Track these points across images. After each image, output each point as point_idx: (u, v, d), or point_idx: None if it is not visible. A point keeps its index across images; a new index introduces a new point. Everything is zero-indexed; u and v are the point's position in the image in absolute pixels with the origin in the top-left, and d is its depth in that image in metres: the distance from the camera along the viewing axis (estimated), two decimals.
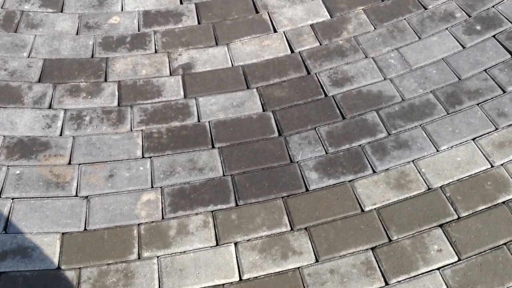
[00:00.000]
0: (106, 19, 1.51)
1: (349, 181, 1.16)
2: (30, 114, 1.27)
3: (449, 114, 1.28)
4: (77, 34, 1.47)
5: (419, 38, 1.47)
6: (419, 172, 1.17)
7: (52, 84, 1.34)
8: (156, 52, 1.44)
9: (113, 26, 1.50)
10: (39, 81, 1.35)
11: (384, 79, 1.38)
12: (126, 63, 1.40)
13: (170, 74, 1.39)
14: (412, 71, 1.39)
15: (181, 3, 1.57)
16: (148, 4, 1.56)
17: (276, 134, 1.26)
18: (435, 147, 1.22)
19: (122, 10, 1.54)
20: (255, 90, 1.36)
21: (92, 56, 1.42)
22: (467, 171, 1.17)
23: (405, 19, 1.51)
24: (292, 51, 1.45)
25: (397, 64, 1.41)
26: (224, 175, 1.17)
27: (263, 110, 1.32)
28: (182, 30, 1.50)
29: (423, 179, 1.16)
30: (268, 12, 1.54)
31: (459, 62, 1.40)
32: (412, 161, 1.19)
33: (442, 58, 1.41)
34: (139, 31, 1.49)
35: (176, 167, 1.18)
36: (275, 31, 1.50)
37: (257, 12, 1.54)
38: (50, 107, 1.29)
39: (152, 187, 1.14)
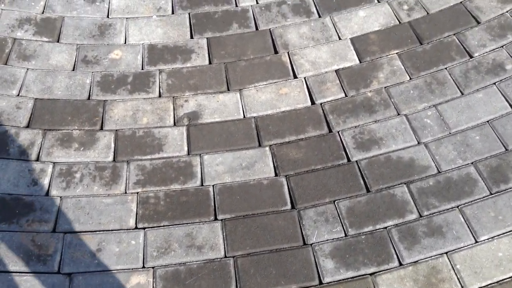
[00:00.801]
0: (106, 53, 1.43)
1: (371, 274, 1.05)
2: (15, 167, 1.20)
3: (492, 194, 1.16)
4: (73, 69, 1.39)
5: (462, 93, 1.34)
6: (453, 269, 1.05)
7: (42, 131, 1.27)
8: (160, 96, 1.36)
9: (114, 62, 1.42)
10: (28, 126, 1.28)
11: (418, 143, 1.26)
12: (125, 108, 1.32)
13: (174, 124, 1.30)
14: (452, 135, 1.27)
15: (191, 37, 1.47)
16: (155, 37, 1.46)
17: (289, 206, 1.16)
18: (474, 237, 1.10)
19: (125, 42, 1.46)
20: (267, 148, 1.26)
21: (89, 98, 1.34)
22: (509, 271, 1.05)
23: (446, 68, 1.38)
24: (312, 102, 1.34)
25: (434, 125, 1.28)
26: (225, 257, 1.08)
27: (276, 175, 1.22)
28: (190, 70, 1.40)
29: (458, 278, 1.04)
30: (288, 53, 1.43)
31: (507, 127, 1.26)
32: (446, 253, 1.08)
33: (487, 121, 1.28)
34: (142, 69, 1.41)
35: (172, 242, 1.10)
36: (295, 76, 1.39)
37: (276, 52, 1.44)
38: (38, 159, 1.22)
39: (143, 266, 1.06)
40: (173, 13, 1.51)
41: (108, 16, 1.50)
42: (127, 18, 1.49)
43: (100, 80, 1.38)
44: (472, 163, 1.22)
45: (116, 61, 1.42)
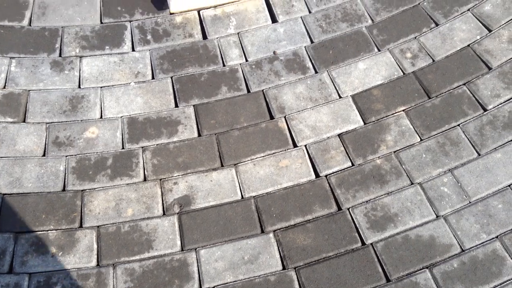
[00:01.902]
0: (81, 132, 1.36)
1: None
2: None
3: None
4: (44, 154, 1.32)
5: (478, 154, 1.31)
6: None
7: (13, 235, 1.20)
8: (145, 180, 1.30)
9: (90, 142, 1.35)
10: None
11: (437, 217, 1.23)
12: (107, 198, 1.26)
13: (164, 214, 1.24)
14: (472, 204, 1.24)
15: (176, 105, 1.42)
16: (135, 108, 1.40)
17: None
18: None
19: (101, 117, 1.39)
20: (272, 235, 1.21)
21: (64, 189, 1.27)
22: None
23: (459, 125, 1.36)
24: (317, 174, 1.30)
25: (451, 194, 1.25)
26: None
27: (283, 267, 1.17)
28: (178, 146, 1.34)
29: None
30: (285, 118, 1.39)
31: None
32: None
33: (509, 185, 1.26)
34: (123, 148, 1.35)
35: None
36: (294, 145, 1.35)
37: (271, 117, 1.39)
38: (11, 270, 1.15)
39: None
40: (153, 78, 1.46)
41: (79, 87, 1.43)
42: (101, 88, 1.43)
43: (75, 166, 1.31)
44: (497, 237, 1.19)
45: (93, 140, 1.35)
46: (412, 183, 1.28)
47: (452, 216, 1.23)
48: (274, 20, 1.57)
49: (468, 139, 1.34)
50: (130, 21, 1.55)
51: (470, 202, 1.25)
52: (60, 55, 1.48)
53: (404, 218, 1.23)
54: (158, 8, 1.57)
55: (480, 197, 1.25)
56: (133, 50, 1.50)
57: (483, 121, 1.36)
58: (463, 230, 1.20)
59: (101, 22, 1.54)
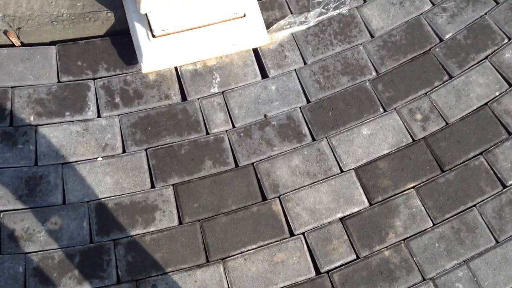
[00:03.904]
0: (41, 222, 1.30)
1: None
2: None
3: None
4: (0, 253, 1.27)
5: (496, 242, 1.32)
6: None
7: None
8: (119, 282, 1.25)
9: (53, 235, 1.29)
10: None
11: None
12: None
13: None
14: None
15: (152, 185, 1.36)
16: (103, 190, 1.34)
17: None
18: None
19: (64, 202, 1.32)
20: None
21: None
22: None
23: (475, 206, 1.35)
24: (317, 270, 1.29)
25: None
26: None
27: None
28: (155, 238, 1.29)
29: None
30: (280, 199, 1.35)
31: None
32: None
33: None
34: (91, 242, 1.29)
35: None
36: (291, 233, 1.32)
37: (264, 198, 1.36)
38: None
39: None
40: (124, 151, 1.39)
41: (36, 164, 1.36)
42: (62, 165, 1.36)
43: (37, 267, 1.26)
44: None
45: (56, 233, 1.29)
46: (424, 279, 1.28)
47: None
48: (264, 75, 1.51)
49: (486, 223, 1.33)
50: (94, 79, 1.47)
51: None
52: (11, 124, 1.40)
53: None
54: (127, 63, 1.49)
55: None
56: (98, 116, 1.43)
57: (502, 200, 1.36)
58: None
59: (59, 81, 1.46)
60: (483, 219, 1.35)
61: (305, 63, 1.55)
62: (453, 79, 1.54)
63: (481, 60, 1.56)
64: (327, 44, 1.58)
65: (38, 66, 1.48)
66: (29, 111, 1.43)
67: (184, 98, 1.48)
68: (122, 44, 1.54)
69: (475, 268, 1.30)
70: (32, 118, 1.42)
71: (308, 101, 1.50)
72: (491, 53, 1.57)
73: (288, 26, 1.58)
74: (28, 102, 1.44)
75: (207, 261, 1.30)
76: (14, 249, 1.29)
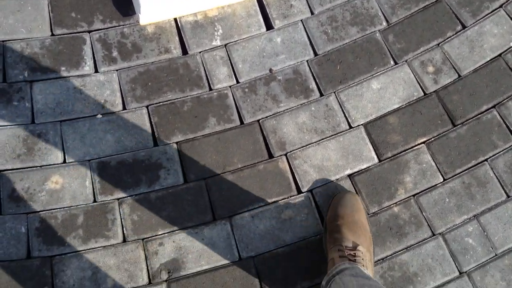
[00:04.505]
0: (41, 182, 1.29)
1: None
2: None
3: None
4: (0, 213, 1.26)
5: (508, 196, 1.33)
6: None
7: None
8: (125, 241, 1.26)
9: (55, 195, 1.29)
10: None
11: (460, 273, 1.26)
12: (81, 266, 1.23)
13: (150, 282, 1.23)
14: (498, 257, 1.28)
15: (155, 143, 1.34)
16: (104, 149, 1.31)
17: None
18: None
19: (64, 161, 1.31)
20: None
21: (29, 256, 1.23)
22: None
23: (487, 161, 1.36)
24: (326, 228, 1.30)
25: (477, 246, 1.28)
26: None
27: None
28: (160, 196, 1.29)
29: None
30: (286, 156, 1.35)
31: None
32: None
33: None
34: (95, 201, 1.29)
35: None
36: (299, 191, 1.33)
37: (270, 155, 1.35)
38: None
39: None
40: (124, 108, 1.37)
41: (33, 122, 1.34)
42: (61, 122, 1.35)
43: (40, 227, 1.26)
44: None
45: (57, 193, 1.29)
46: (433, 235, 1.30)
47: (476, 273, 1.27)
48: (269, 26, 1.47)
49: (497, 178, 1.35)
50: (89, 32, 1.43)
51: (496, 255, 1.29)
52: (4, 81, 1.37)
53: (424, 278, 1.26)
54: (123, 14, 1.44)
55: (507, 248, 1.29)
56: (96, 71, 1.40)
57: None
58: None
59: (52, 34, 1.41)
60: (494, 174, 1.36)
61: (312, 13, 1.51)
62: (466, 29, 1.50)
63: (495, 9, 1.52)
64: None
65: (30, 18, 1.43)
66: (22, 66, 1.39)
67: (185, 51, 1.45)
68: None
69: (485, 222, 1.32)
70: (26, 74, 1.39)
71: (315, 54, 1.47)
72: (506, 1, 1.53)
73: None
74: (21, 57, 1.40)
75: (214, 219, 1.32)
76: (15, 209, 1.29)
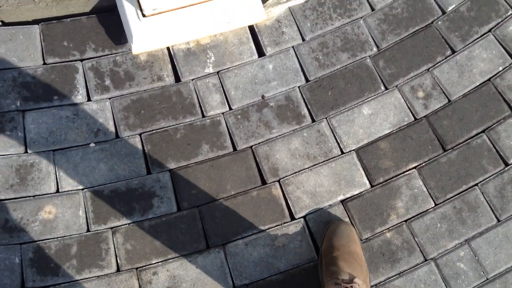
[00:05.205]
0: (35, 212, 1.35)
1: None
2: None
3: None
4: None
5: (498, 220, 1.39)
6: None
7: None
8: (118, 270, 1.31)
9: (48, 225, 1.33)
10: None
11: None
12: None
13: None
14: (489, 281, 1.33)
15: (148, 171, 1.40)
16: (98, 178, 1.35)
17: None
18: None
19: (57, 190, 1.36)
20: None
21: (23, 287, 1.27)
22: None
23: (477, 185, 1.41)
24: (319, 253, 1.34)
25: (468, 270, 1.33)
26: None
27: None
28: (154, 225, 1.33)
29: None
30: (279, 183, 1.40)
31: None
32: None
33: None
34: (88, 231, 1.34)
35: None
36: (292, 217, 1.38)
37: (263, 182, 1.40)
38: None
39: None
40: (117, 136, 1.42)
41: (26, 151, 1.39)
42: (54, 152, 1.39)
43: (33, 257, 1.30)
44: None
45: (51, 223, 1.33)
46: (426, 260, 1.35)
47: None
48: (261, 53, 1.53)
49: (487, 202, 1.40)
50: (82, 61, 1.48)
51: (487, 279, 1.34)
52: None
53: None
54: (116, 42, 1.50)
55: (498, 272, 1.35)
56: (89, 99, 1.45)
57: (504, 179, 1.42)
58: None
59: (44, 63, 1.46)
60: (485, 198, 1.42)
61: (303, 40, 1.57)
62: (456, 54, 1.57)
63: (484, 34, 1.60)
64: (326, 18, 1.60)
65: (22, 47, 1.48)
66: (14, 95, 1.44)
67: (177, 79, 1.51)
68: (110, 21, 1.54)
69: (477, 247, 1.38)
70: (18, 103, 1.44)
71: (307, 80, 1.53)
72: (495, 26, 1.60)
73: (285, 0, 1.58)
74: (13, 86, 1.45)
75: (208, 247, 1.36)
76: (8, 240, 1.33)
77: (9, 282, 1.30)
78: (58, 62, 1.49)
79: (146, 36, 1.45)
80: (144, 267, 1.34)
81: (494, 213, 1.42)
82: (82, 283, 1.31)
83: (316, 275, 1.34)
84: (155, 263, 1.34)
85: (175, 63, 1.52)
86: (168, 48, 1.54)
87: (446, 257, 1.37)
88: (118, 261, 1.34)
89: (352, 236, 1.29)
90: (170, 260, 1.35)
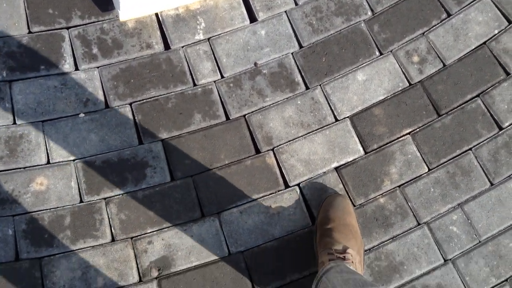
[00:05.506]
0: (26, 184, 1.33)
1: None
2: None
3: None
4: None
5: (491, 184, 1.41)
6: None
7: None
8: (113, 240, 1.32)
9: (40, 196, 1.33)
10: None
11: (445, 261, 1.35)
12: (71, 267, 1.28)
13: (140, 280, 1.29)
14: (482, 244, 1.36)
15: (140, 142, 1.40)
16: (89, 149, 1.35)
17: None
18: None
19: (48, 161, 1.35)
20: None
21: (18, 259, 1.28)
22: None
23: (471, 150, 1.43)
24: (313, 221, 1.36)
25: (461, 233, 1.36)
26: None
27: None
28: (148, 194, 1.34)
29: None
30: (273, 152, 1.40)
31: None
32: None
33: None
34: (81, 202, 1.34)
35: None
36: (286, 185, 1.39)
37: (257, 151, 1.41)
38: None
39: None
40: (107, 106, 1.41)
41: (15, 123, 1.37)
42: (43, 123, 1.37)
43: (27, 229, 1.31)
44: (506, 280, 1.34)
45: (43, 194, 1.33)
46: (419, 224, 1.38)
47: (460, 260, 1.35)
48: (252, 18, 1.51)
49: (481, 166, 1.42)
50: (68, 28, 1.45)
51: (480, 242, 1.37)
52: None
53: (410, 266, 1.34)
54: (102, 9, 1.47)
55: (491, 235, 1.38)
56: (76, 69, 1.43)
57: (498, 143, 1.44)
58: (472, 275, 1.34)
59: (30, 32, 1.43)
60: (478, 162, 1.44)
61: (296, 4, 1.54)
62: (451, 17, 1.56)
63: None
64: None
65: (6, 15, 1.44)
66: (1, 66, 1.42)
67: (167, 46, 1.48)
68: None
69: (469, 210, 1.40)
70: (5, 74, 1.41)
71: (300, 46, 1.51)
72: None
73: None
74: None
75: (202, 215, 1.37)
76: (0, 212, 1.33)
77: (3, 254, 1.31)
78: (44, 31, 1.46)
79: (133, 2, 1.42)
80: (139, 237, 1.35)
81: (487, 177, 1.43)
82: (77, 254, 1.32)
83: (310, 240, 1.36)
84: (150, 232, 1.35)
85: (164, 30, 1.50)
86: (156, 14, 1.51)
87: (439, 221, 1.40)
88: (113, 231, 1.35)
89: (348, 209, 1.31)
90: (165, 229, 1.36)
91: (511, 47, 1.54)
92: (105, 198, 1.37)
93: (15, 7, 1.46)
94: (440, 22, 1.56)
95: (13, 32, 1.45)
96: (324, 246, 1.25)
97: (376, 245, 1.38)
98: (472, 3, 1.57)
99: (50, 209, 1.34)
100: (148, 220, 1.37)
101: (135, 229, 1.36)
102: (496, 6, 1.57)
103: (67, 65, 1.45)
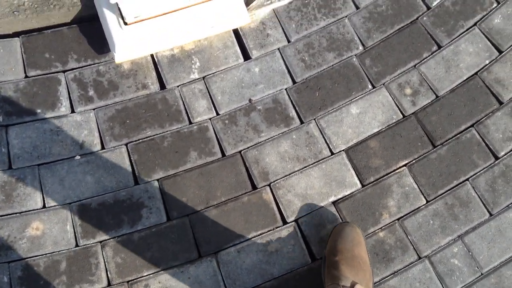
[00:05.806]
0: (22, 229, 1.33)
1: None
2: None
3: None
4: None
5: (490, 214, 1.40)
6: None
7: None
8: (109, 285, 1.30)
9: (36, 241, 1.32)
10: None
11: None
12: None
13: None
14: (484, 276, 1.34)
15: (136, 182, 1.39)
16: (84, 191, 1.35)
17: None
18: None
19: (44, 206, 1.36)
20: None
21: None
22: None
23: (468, 180, 1.43)
24: (313, 258, 1.35)
25: (462, 266, 1.34)
26: None
27: None
28: (144, 236, 1.33)
29: None
30: (270, 187, 1.40)
31: None
32: None
33: None
34: (77, 246, 1.32)
35: None
36: (284, 221, 1.38)
37: (254, 187, 1.41)
38: None
39: None
40: (103, 148, 1.41)
41: (11, 167, 1.38)
42: (38, 166, 1.38)
43: (22, 276, 1.29)
44: None
45: (38, 239, 1.32)
46: (420, 258, 1.36)
47: None
48: (246, 56, 1.54)
49: (479, 197, 1.42)
50: (64, 72, 1.47)
51: (482, 274, 1.35)
52: None
53: None
54: (98, 52, 1.49)
55: (492, 267, 1.36)
56: (72, 111, 1.44)
57: (494, 172, 1.44)
58: None
59: (26, 76, 1.46)
60: (476, 193, 1.44)
61: (288, 41, 1.57)
62: (442, 49, 1.59)
63: (470, 27, 1.61)
64: (310, 18, 1.60)
65: (2, 61, 1.47)
66: None
67: (162, 86, 1.50)
68: (91, 31, 1.53)
69: (470, 242, 1.39)
70: (1, 118, 1.43)
71: (293, 81, 1.53)
72: (480, 19, 1.62)
73: (269, 2, 1.59)
74: None
75: (199, 256, 1.36)
76: None
77: None
78: (40, 75, 1.48)
79: (128, 44, 1.45)
80: (135, 280, 1.33)
81: (486, 207, 1.43)
82: None
83: (310, 279, 1.35)
84: (147, 275, 1.34)
85: (160, 70, 1.52)
86: (152, 55, 1.54)
87: (440, 254, 1.38)
88: (109, 275, 1.33)
89: (358, 239, 1.29)
90: (161, 272, 1.34)
91: (502, 77, 1.56)
92: (100, 241, 1.36)
93: (12, 52, 1.49)
94: (431, 54, 1.59)
95: (10, 77, 1.47)
96: (332, 279, 1.23)
97: (378, 281, 1.35)
98: (462, 35, 1.61)
99: (45, 254, 1.33)
100: (144, 263, 1.35)
101: (131, 273, 1.34)
102: (486, 37, 1.61)
103: (63, 108, 1.46)
